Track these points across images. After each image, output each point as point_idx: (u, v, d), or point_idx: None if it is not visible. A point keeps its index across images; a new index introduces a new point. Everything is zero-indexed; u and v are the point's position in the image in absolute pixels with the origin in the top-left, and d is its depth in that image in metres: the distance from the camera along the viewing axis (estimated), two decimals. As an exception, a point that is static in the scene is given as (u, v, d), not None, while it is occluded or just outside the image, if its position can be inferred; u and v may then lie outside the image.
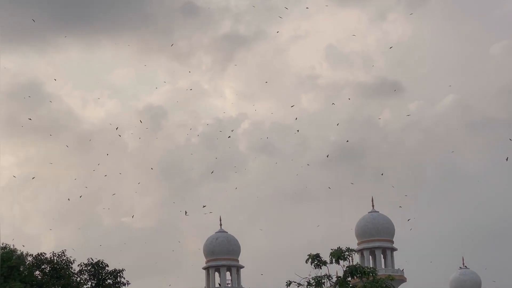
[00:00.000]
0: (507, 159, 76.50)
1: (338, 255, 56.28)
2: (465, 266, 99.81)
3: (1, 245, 58.84)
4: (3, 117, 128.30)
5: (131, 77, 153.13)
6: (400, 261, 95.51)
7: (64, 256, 59.81)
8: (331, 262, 56.34)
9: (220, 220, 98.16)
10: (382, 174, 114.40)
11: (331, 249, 56.54)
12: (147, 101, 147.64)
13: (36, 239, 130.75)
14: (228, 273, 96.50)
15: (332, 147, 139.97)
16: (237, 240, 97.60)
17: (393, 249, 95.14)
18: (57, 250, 60.35)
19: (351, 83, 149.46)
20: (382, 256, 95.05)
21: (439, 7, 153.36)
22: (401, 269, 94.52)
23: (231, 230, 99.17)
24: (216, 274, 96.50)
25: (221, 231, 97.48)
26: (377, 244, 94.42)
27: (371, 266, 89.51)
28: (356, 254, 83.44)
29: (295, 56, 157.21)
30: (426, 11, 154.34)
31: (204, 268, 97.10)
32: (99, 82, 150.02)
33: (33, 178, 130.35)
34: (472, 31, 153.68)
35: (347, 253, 55.50)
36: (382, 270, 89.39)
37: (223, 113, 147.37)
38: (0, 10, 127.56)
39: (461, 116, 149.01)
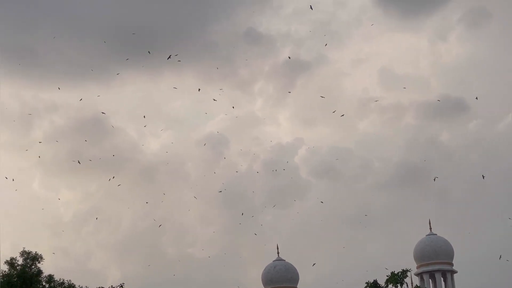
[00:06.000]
0: None
1: (396, 280, 56.22)
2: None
3: (59, 281, 60.12)
4: (67, 153, 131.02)
5: (192, 107, 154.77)
6: (460, 283, 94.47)
7: (123, 290, 60.64)
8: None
9: (278, 248, 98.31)
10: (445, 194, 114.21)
11: (387, 276, 56.52)
12: (208, 130, 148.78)
13: (101, 274, 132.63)
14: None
15: (396, 168, 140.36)
16: (295, 268, 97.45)
17: (453, 272, 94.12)
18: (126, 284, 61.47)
19: (413, 104, 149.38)
20: (442, 279, 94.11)
21: (498, 25, 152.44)
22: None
23: (290, 257, 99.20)
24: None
25: (279, 259, 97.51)
26: (436, 267, 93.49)
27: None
28: (413, 275, 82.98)
29: (355, 79, 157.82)
30: (485, 30, 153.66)
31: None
32: (161, 113, 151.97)
33: (96, 218, 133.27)
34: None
35: (401, 275, 55.37)
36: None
37: (284, 140, 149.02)
38: (64, 46, 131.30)
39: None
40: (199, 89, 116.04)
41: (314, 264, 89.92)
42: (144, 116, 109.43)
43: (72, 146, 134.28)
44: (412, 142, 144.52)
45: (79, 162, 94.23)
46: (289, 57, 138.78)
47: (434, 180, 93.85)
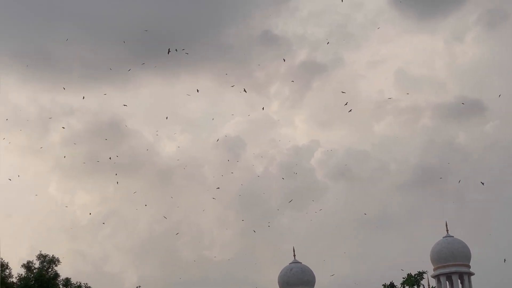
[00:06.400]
0: None
1: (412, 282, 56.25)
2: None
3: (76, 284, 60.25)
4: (84, 156, 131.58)
5: (208, 110, 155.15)
6: (478, 286, 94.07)
7: (139, 292, 60.89)
8: (404, 289, 56.25)
9: (294, 251, 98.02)
10: (462, 196, 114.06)
11: (403, 278, 56.57)
12: (225, 132, 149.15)
13: (118, 277, 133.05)
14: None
15: (412, 170, 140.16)
16: (311, 271, 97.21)
17: (470, 274, 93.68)
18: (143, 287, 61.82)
19: (430, 105, 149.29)
20: (459, 281, 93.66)
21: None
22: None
23: (306, 260, 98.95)
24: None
25: (295, 262, 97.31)
26: (453, 269, 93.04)
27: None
28: (429, 277, 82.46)
29: (371, 81, 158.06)
30: (502, 31, 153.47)
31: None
32: (177, 116, 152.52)
33: (103, 223, 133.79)
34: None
35: (418, 277, 55.50)
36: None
37: (300, 142, 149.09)
38: (78, 48, 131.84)
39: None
40: (197, 90, 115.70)
41: (332, 275, 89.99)
42: (167, 118, 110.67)
43: (89, 148, 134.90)
44: (428, 144, 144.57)
45: (110, 158, 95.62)
46: (284, 60, 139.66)
47: (459, 182, 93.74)
